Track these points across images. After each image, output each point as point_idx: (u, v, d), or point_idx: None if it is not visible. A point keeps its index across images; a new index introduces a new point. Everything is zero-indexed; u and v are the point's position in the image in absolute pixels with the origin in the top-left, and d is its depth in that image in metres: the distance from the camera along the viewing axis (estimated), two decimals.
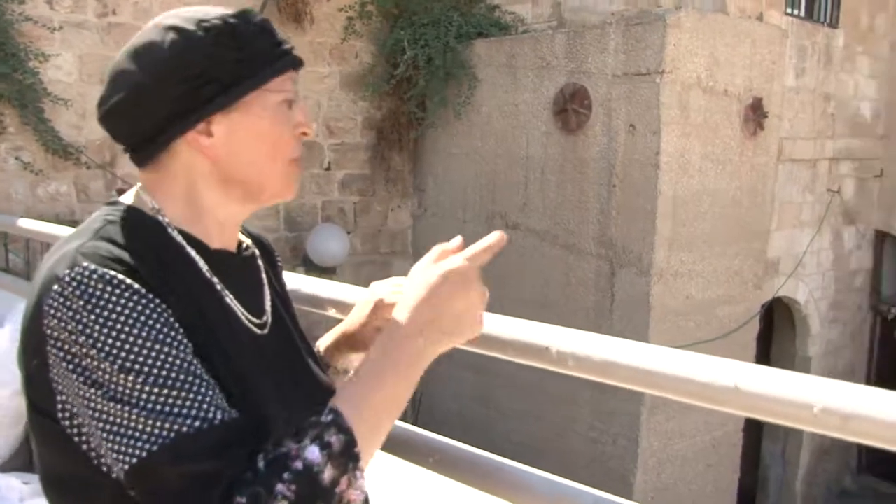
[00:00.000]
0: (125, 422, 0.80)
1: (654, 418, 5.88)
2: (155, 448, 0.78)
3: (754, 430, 7.99)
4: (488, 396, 6.90)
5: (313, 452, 0.79)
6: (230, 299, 0.99)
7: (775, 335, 8.56)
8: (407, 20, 7.11)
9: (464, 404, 7.15)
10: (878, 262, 9.26)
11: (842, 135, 8.30)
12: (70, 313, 0.83)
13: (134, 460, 0.79)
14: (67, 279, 0.84)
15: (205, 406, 0.81)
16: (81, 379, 0.82)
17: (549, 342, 1.05)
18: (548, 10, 6.92)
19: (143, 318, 0.84)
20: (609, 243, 6.07)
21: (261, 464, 0.79)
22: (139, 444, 0.79)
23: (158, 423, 0.79)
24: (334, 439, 0.81)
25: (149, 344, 0.82)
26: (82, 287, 0.84)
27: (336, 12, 7.02)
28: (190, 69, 0.93)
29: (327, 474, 0.79)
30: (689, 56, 5.65)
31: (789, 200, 7.74)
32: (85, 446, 0.85)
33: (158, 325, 0.84)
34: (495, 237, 0.98)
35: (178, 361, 0.83)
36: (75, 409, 0.84)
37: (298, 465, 0.79)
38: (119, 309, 0.83)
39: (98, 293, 0.83)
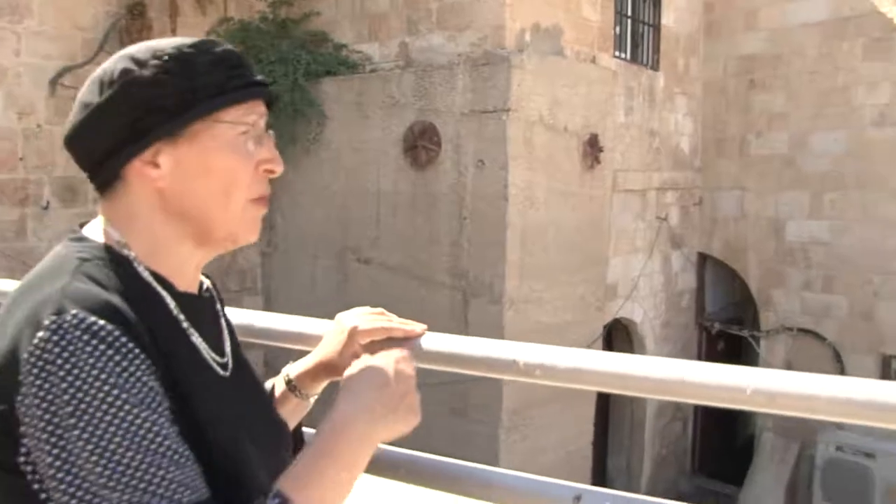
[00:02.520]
0: (92, 495, 0.78)
1: (510, 439, 6.12)
2: None
3: (601, 446, 8.44)
4: None
5: None
6: (198, 339, 0.98)
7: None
8: (254, 57, 7.10)
9: None
10: (702, 282, 10.10)
11: (666, 167, 9.04)
12: (53, 367, 0.79)
13: None
14: (54, 327, 0.81)
15: (173, 486, 0.80)
16: (52, 441, 0.79)
17: (515, 356, 1.16)
18: (395, 50, 7.13)
19: (130, 382, 0.81)
20: (461, 274, 6.29)
21: None
22: None
23: (126, 498, 0.78)
24: None
25: (133, 412, 0.80)
26: (67, 338, 0.80)
27: None
28: (135, 97, 0.93)
29: None
30: (532, 95, 6.02)
31: (624, 228, 8.32)
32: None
33: (144, 391, 0.82)
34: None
35: (156, 435, 0.81)
36: (38, 463, 0.81)
37: None
38: (107, 367, 0.80)
39: (86, 347, 0.80)
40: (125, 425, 0.79)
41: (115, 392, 0.80)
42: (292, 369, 1.24)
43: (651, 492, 9.18)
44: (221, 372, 1.01)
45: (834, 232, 8.86)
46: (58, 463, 0.79)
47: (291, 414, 1.21)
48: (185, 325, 0.96)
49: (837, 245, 8.83)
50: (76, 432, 0.78)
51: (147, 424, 0.80)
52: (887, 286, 8.49)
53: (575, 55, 7.05)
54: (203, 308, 1.05)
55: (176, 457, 0.81)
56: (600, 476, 8.74)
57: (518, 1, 6.44)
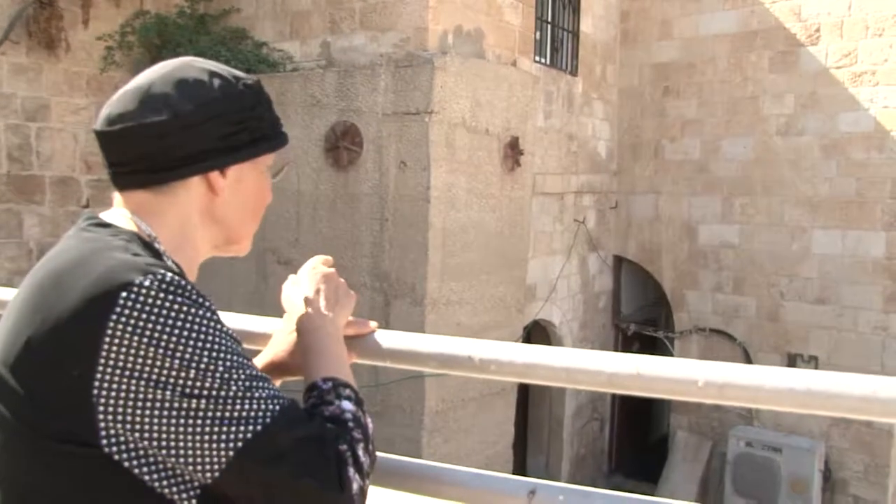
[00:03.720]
0: (230, 412, 0.87)
1: (433, 441, 6.12)
2: (269, 420, 0.88)
3: (520, 447, 8.53)
4: None
5: (347, 405, 0.98)
6: None
7: None
8: (171, 52, 6.91)
9: None
10: (618, 284, 10.34)
11: (584, 171, 9.22)
12: (152, 318, 0.86)
13: (249, 435, 0.87)
14: (147, 283, 0.87)
15: (273, 385, 0.93)
16: (162, 385, 0.85)
17: (470, 352, 1.16)
18: (316, 50, 7.05)
19: (217, 324, 0.91)
20: (383, 276, 6.27)
21: (328, 424, 0.95)
22: (249, 424, 0.87)
23: (259, 404, 0.89)
24: (348, 391, 1.00)
25: (227, 344, 0.90)
26: (163, 293, 0.87)
27: (94, 41, 6.67)
28: (235, 114, 1.02)
29: (363, 418, 0.99)
30: (454, 97, 6.04)
31: (542, 230, 8.44)
32: (141, 470, 0.86)
33: (226, 330, 0.92)
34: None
35: (244, 358, 0.92)
36: (132, 430, 0.85)
37: (349, 415, 0.97)
38: (200, 312, 0.89)
39: (180, 298, 0.88)
40: (230, 351, 0.90)
41: (216, 330, 0.90)
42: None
43: None
44: None
45: (743, 235, 9.20)
46: (176, 409, 0.85)
47: None
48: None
49: (746, 248, 9.18)
50: (192, 369, 0.86)
51: (237, 347, 0.92)
52: (792, 288, 8.87)
53: (496, 58, 7.12)
54: None
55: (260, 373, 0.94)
56: (521, 475, 8.82)
57: (441, 3, 6.46)
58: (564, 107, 8.68)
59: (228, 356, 0.89)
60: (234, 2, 7.45)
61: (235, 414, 0.86)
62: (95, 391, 0.84)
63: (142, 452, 0.86)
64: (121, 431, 0.85)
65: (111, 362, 0.84)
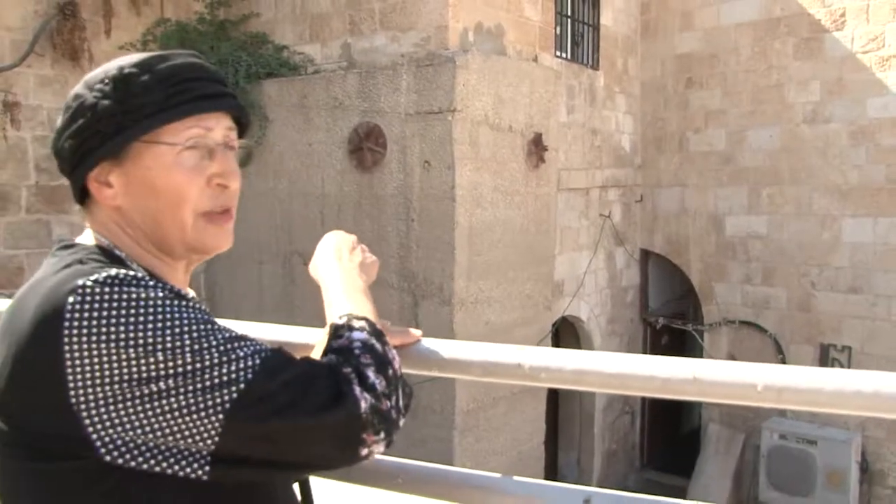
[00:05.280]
0: (209, 381, 0.85)
1: (464, 441, 6.10)
2: (250, 375, 0.86)
3: (551, 443, 8.49)
4: None
5: (359, 335, 0.97)
6: None
7: None
8: None
9: None
10: (645, 278, 10.25)
11: (608, 165, 9.14)
12: (104, 314, 0.84)
13: (234, 395, 0.85)
14: (90, 283, 0.86)
15: (257, 341, 0.91)
16: (135, 380, 0.83)
17: (519, 359, 1.13)
18: (337, 51, 7.05)
19: (174, 301, 0.89)
20: (410, 276, 6.26)
21: (331, 355, 0.94)
22: (233, 385, 0.85)
23: (238, 364, 0.87)
24: (361, 323, 0.99)
25: (190, 315, 0.88)
26: (108, 287, 0.86)
27: (116, 50, 6.71)
28: (80, 121, 0.97)
29: (377, 346, 0.96)
30: (476, 95, 6.01)
31: (568, 226, 8.39)
32: (148, 463, 0.85)
33: (187, 304, 0.90)
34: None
35: (215, 325, 0.90)
36: (124, 430, 0.84)
37: (358, 344, 0.95)
38: (151, 294, 0.87)
39: (126, 288, 0.87)
40: (194, 324, 0.87)
41: (175, 309, 0.88)
42: None
43: (601, 487, 9.27)
44: None
45: (771, 226, 9.08)
46: (152, 396, 0.83)
47: None
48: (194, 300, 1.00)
49: (775, 238, 9.06)
50: (158, 354, 0.84)
51: (204, 316, 0.90)
52: (823, 277, 8.75)
53: (517, 55, 7.08)
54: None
55: (235, 332, 0.91)
56: (552, 474, 8.79)
57: (460, 1, 6.43)
58: (587, 101, 8.62)
59: (194, 327, 0.87)
60: (253, 7, 7.47)
61: (216, 381, 0.85)
62: (75, 404, 0.83)
63: (142, 447, 0.85)
64: (114, 435, 0.84)
65: (78, 371, 0.83)
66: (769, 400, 1.02)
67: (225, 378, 0.85)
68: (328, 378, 0.89)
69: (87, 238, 1.01)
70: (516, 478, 1.24)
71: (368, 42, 6.85)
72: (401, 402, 0.95)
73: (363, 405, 0.88)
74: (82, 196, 1.02)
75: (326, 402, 0.87)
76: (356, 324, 0.98)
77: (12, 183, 6.26)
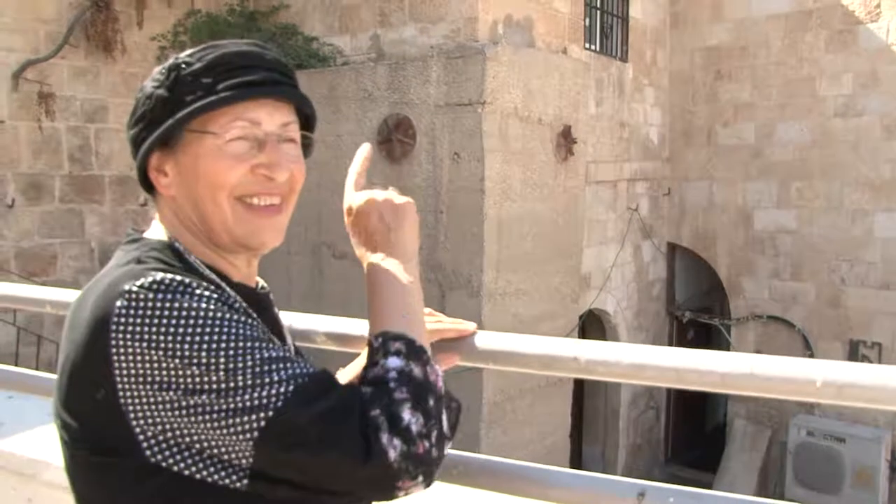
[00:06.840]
0: (240, 403, 0.83)
1: (491, 433, 6.11)
2: (280, 403, 0.84)
3: (576, 436, 8.49)
4: None
5: (395, 361, 0.90)
6: (259, 322, 0.98)
7: None
8: None
9: None
10: (672, 271, 10.20)
11: (636, 158, 9.10)
12: (147, 321, 0.85)
13: (263, 423, 0.83)
14: (136, 288, 0.87)
15: (298, 364, 0.88)
16: (174, 388, 0.84)
17: (575, 353, 1.13)
18: (367, 43, 7.06)
19: (219, 311, 0.88)
20: (439, 268, 6.26)
21: (364, 388, 0.89)
22: (262, 411, 0.83)
23: (271, 389, 0.84)
24: (398, 345, 0.92)
25: (232, 331, 0.87)
26: (153, 293, 0.87)
27: (148, 42, 6.77)
28: (140, 111, 1.00)
29: (416, 370, 0.90)
30: (506, 87, 5.99)
31: (596, 219, 8.36)
32: (189, 468, 0.87)
33: (234, 314, 0.89)
34: (365, 150, 1.16)
35: (262, 339, 0.88)
36: (164, 431, 0.85)
37: (393, 374, 0.89)
38: (194, 305, 0.87)
39: (170, 296, 0.87)
40: (234, 336, 0.86)
41: (219, 318, 0.87)
42: (342, 375, 1.18)
43: None
44: None
45: (801, 220, 9.00)
46: (193, 408, 0.84)
47: None
48: (244, 306, 0.98)
49: (804, 233, 8.97)
50: (194, 366, 0.84)
51: (249, 330, 0.88)
52: (853, 273, 8.65)
53: (546, 47, 7.05)
54: (260, 301, 1.08)
55: (282, 350, 0.90)
56: (576, 467, 8.79)
57: None
58: (615, 93, 8.57)
59: (231, 344, 0.85)
60: None
61: (247, 404, 0.83)
62: (123, 403, 0.86)
63: (185, 452, 0.86)
64: (159, 437, 0.86)
65: (125, 372, 0.85)
66: (828, 396, 1.01)
67: (256, 402, 0.83)
68: (362, 419, 0.85)
69: (153, 231, 1.03)
70: (572, 471, 1.24)
71: (398, 34, 6.85)
72: (445, 428, 0.89)
73: (392, 455, 0.83)
74: (148, 186, 1.04)
75: (354, 448, 0.83)
76: (392, 346, 0.92)
77: (47, 173, 6.34)
